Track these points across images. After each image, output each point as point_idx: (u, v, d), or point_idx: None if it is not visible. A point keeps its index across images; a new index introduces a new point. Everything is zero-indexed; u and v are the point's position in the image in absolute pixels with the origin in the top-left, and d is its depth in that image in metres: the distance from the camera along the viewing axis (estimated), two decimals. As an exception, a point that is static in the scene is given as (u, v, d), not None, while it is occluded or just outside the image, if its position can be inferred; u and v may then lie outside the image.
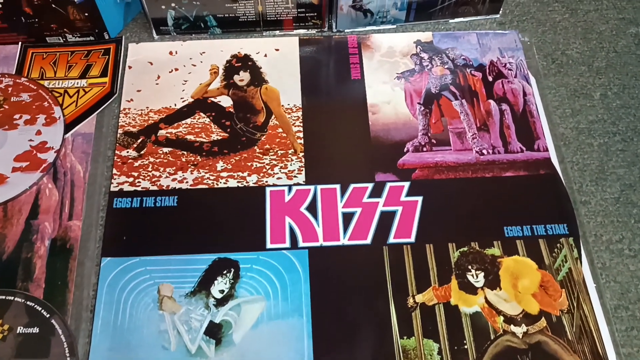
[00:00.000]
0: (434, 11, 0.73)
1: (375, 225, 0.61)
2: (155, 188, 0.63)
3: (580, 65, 0.74)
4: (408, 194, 0.63)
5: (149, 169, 0.65)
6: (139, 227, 0.61)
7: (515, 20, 0.77)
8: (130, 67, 0.71)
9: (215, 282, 0.59)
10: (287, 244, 0.60)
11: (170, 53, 0.73)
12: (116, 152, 0.66)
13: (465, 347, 0.56)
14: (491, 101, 0.70)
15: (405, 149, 0.66)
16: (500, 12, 0.76)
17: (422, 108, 0.69)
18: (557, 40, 0.75)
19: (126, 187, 0.63)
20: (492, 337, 0.57)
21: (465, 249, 0.60)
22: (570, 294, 0.59)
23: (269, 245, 0.60)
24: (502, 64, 0.72)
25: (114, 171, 0.65)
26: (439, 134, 0.68)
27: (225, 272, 0.59)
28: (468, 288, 0.59)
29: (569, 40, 0.76)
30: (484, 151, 0.66)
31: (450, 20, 0.76)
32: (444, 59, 0.72)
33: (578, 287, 0.59)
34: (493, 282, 0.59)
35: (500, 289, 0.59)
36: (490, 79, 0.71)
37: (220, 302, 0.58)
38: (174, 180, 0.64)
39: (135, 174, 0.64)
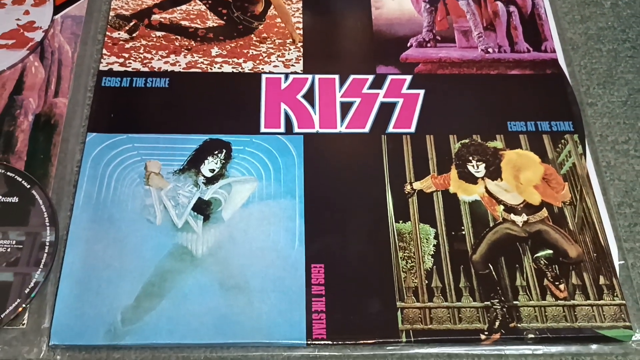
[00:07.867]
0: None
1: (375, 115, 0.60)
2: (146, 69, 0.62)
3: (591, -27, 0.72)
4: (410, 87, 0.62)
5: (141, 51, 0.63)
6: (128, 105, 0.60)
7: None
8: (126, -48, 0.70)
9: (206, 161, 0.57)
10: (282, 129, 0.59)
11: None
12: (107, 33, 0.64)
13: (463, 232, 0.54)
14: (498, 2, 0.69)
15: (409, 44, 0.65)
16: None
17: (428, 6, 0.68)
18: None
19: (116, 67, 0.62)
20: (490, 225, 0.55)
21: (467, 140, 0.59)
22: (574, 187, 0.57)
23: (263, 130, 0.59)
24: (511, -33, 0.70)
25: (104, 52, 0.63)
26: (444, 31, 0.67)
27: (216, 152, 0.58)
28: (468, 178, 0.57)
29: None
30: (490, 49, 0.65)
31: None
32: (452, -40, 0.70)
33: (582, 181, 0.57)
34: (494, 173, 0.58)
35: (502, 179, 0.57)
36: (498, -19, 0.69)
37: (210, 181, 0.56)
38: (166, 62, 0.62)
39: (126, 55, 0.63)
